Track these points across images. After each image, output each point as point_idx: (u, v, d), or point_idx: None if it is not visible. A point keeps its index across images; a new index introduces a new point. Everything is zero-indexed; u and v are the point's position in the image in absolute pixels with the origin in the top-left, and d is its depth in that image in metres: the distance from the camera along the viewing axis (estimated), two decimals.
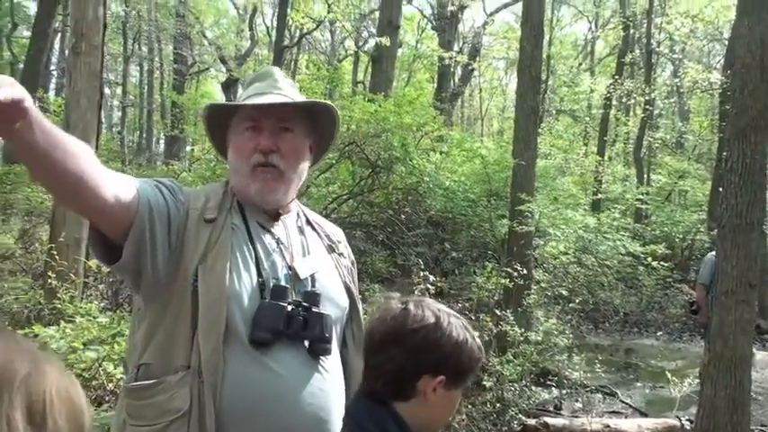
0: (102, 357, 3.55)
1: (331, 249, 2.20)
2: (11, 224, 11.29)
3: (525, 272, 7.91)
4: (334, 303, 2.03)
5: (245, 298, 1.90)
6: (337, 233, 2.30)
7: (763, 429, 6.74)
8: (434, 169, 12.33)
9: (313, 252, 2.12)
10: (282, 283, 1.97)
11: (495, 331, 6.98)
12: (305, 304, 1.94)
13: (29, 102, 1.43)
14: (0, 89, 1.35)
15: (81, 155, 1.65)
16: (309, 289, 2.00)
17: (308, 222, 2.22)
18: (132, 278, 1.93)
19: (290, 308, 1.91)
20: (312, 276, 2.04)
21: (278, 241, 2.05)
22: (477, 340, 1.74)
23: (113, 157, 14.76)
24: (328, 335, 1.93)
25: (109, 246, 1.86)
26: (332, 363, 1.97)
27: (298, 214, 2.20)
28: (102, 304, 6.37)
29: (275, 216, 2.10)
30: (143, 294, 1.97)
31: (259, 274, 1.95)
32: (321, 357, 1.93)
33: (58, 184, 1.68)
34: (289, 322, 1.89)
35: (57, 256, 6.26)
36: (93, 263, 6.09)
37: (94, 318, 4.27)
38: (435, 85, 23.99)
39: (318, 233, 2.21)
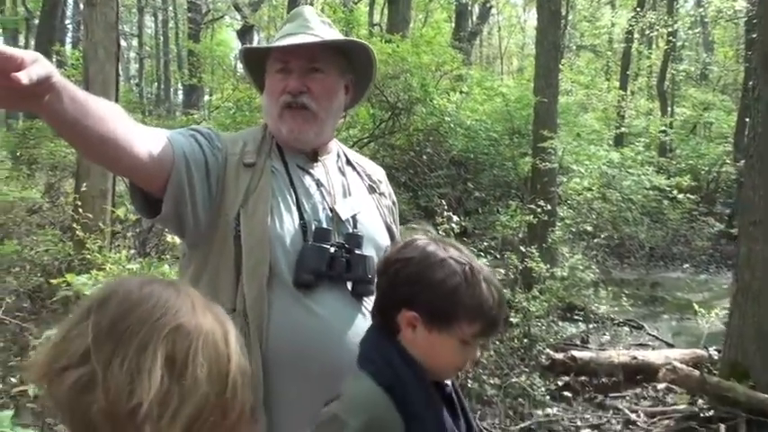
0: None
1: (372, 190, 2.19)
2: (36, 179, 11.39)
3: (549, 208, 7.87)
4: (375, 244, 2.03)
5: (287, 240, 1.91)
6: (378, 172, 2.28)
7: None
8: (455, 109, 12.24)
9: (354, 193, 2.11)
10: (324, 225, 1.98)
11: (520, 268, 7.00)
12: (347, 246, 1.95)
13: (56, 76, 1.42)
14: (26, 69, 1.33)
15: (111, 117, 1.65)
16: (351, 231, 2.01)
17: (349, 162, 2.21)
18: (175, 228, 1.96)
19: (332, 250, 1.92)
20: (354, 218, 2.05)
21: (318, 183, 2.05)
22: (482, 291, 1.62)
23: (133, 108, 14.75)
24: (371, 276, 1.93)
25: (149, 199, 1.88)
26: None
27: (338, 155, 2.19)
28: (131, 252, 6.45)
29: (314, 157, 2.10)
30: (187, 241, 2.01)
31: (300, 217, 1.96)
32: (364, 298, 1.94)
33: (92, 148, 1.69)
34: (332, 264, 1.90)
35: (82, 209, 6.33)
36: (121, 212, 6.17)
37: (124, 266, 4.33)
38: (453, 24, 23.61)
39: (359, 173, 2.20)
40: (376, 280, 1.78)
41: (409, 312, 1.63)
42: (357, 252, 1.95)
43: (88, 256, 5.48)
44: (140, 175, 1.82)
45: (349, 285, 1.94)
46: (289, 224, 1.94)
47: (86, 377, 1.00)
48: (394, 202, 2.29)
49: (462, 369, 1.72)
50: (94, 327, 1.03)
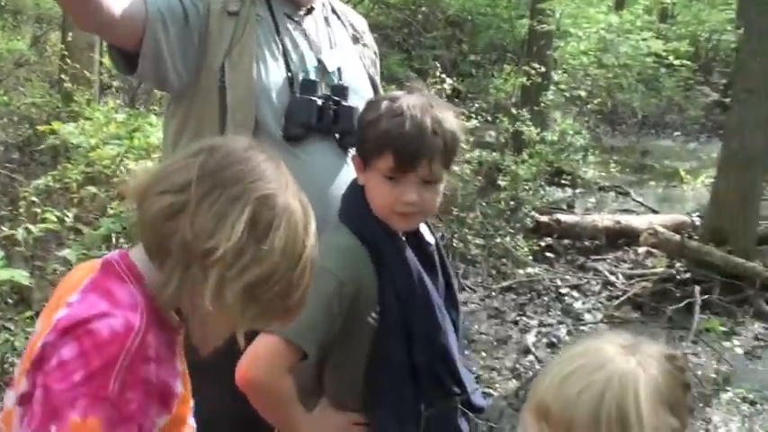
0: (121, 153, 3.64)
1: (356, 40, 2.15)
2: (22, 31, 11.09)
3: (543, 71, 7.76)
4: (359, 96, 2.01)
5: (273, 92, 1.89)
6: (361, 22, 2.24)
7: None
8: None
9: (339, 44, 2.08)
10: (312, 76, 1.95)
11: (511, 131, 6.98)
12: (335, 98, 1.94)
13: None
14: None
15: None
16: (338, 82, 1.99)
17: (333, 11, 2.15)
18: (156, 83, 1.94)
19: (320, 102, 1.91)
20: (339, 69, 2.02)
21: (305, 33, 2.01)
22: (395, 123, 1.60)
23: None
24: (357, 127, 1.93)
25: (128, 55, 1.84)
26: None
27: (323, 4, 2.13)
28: (118, 101, 6.41)
29: (301, 5, 2.04)
30: (170, 94, 2.00)
31: (287, 68, 1.93)
32: (350, 150, 1.94)
33: (68, 4, 1.69)
34: (320, 116, 1.90)
35: (70, 60, 6.23)
36: (109, 62, 6.07)
37: (111, 116, 4.31)
38: None
39: (343, 22, 2.15)
40: None
41: (355, 156, 1.72)
42: (344, 104, 1.94)
43: (76, 109, 5.44)
44: (115, 31, 1.79)
45: (336, 137, 1.94)
46: (275, 75, 1.91)
47: (179, 205, 1.09)
48: (376, 53, 2.25)
49: (405, 214, 1.65)
50: (201, 166, 1.11)
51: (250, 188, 1.11)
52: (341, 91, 1.96)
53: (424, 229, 1.80)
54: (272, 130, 1.87)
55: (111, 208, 3.50)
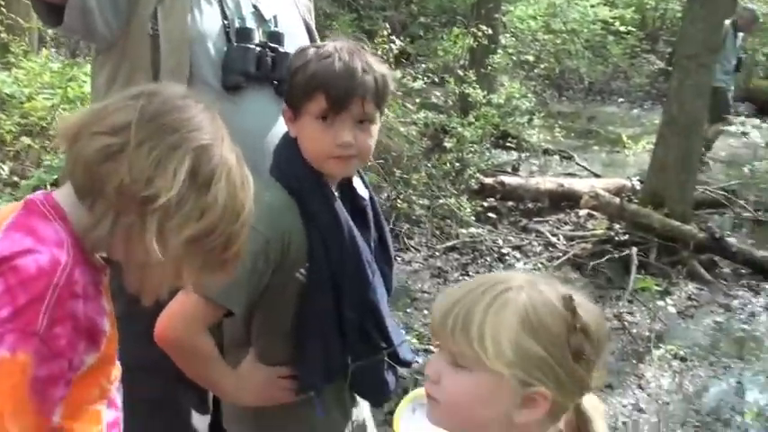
0: (57, 104, 3.53)
1: None
2: None
3: (491, 33, 7.76)
4: (296, 43, 1.97)
5: (209, 40, 1.85)
6: None
7: (705, 188, 7.07)
8: None
9: None
10: (248, 23, 1.92)
11: (458, 92, 6.99)
12: (272, 45, 1.91)
13: None
14: None
15: None
16: (274, 29, 1.96)
17: None
18: (84, 36, 1.88)
19: (257, 49, 1.87)
20: (275, 16, 1.99)
21: None
22: (322, 65, 1.58)
23: None
24: None
25: (55, 8, 1.78)
26: None
27: None
28: (53, 50, 6.22)
29: None
30: (99, 46, 1.93)
31: (223, 15, 1.89)
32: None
33: None
34: (258, 64, 1.87)
35: (5, 10, 6.00)
36: None
37: (45, 65, 4.18)
38: None
39: None
40: None
41: (285, 107, 1.68)
42: (281, 50, 1.91)
43: (12, 60, 5.26)
44: None
45: (274, 84, 1.91)
46: (210, 22, 1.87)
47: (117, 147, 1.08)
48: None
49: (341, 158, 1.62)
50: (142, 109, 1.10)
51: (189, 138, 1.11)
52: (277, 38, 1.93)
53: (357, 182, 1.78)
54: (208, 79, 1.84)
55: (47, 160, 3.40)
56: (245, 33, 1.89)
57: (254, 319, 1.70)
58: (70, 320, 1.08)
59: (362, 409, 1.90)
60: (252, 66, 1.86)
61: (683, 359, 4.22)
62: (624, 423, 3.54)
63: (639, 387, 3.91)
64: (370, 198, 1.81)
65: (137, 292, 1.16)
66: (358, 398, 1.86)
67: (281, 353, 1.70)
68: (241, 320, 1.68)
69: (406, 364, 1.87)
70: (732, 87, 8.49)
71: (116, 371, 1.27)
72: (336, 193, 1.70)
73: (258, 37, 1.92)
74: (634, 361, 4.16)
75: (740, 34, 8.56)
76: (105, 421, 1.22)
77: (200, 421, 2.10)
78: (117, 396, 1.28)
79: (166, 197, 1.06)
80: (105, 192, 1.07)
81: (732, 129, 7.59)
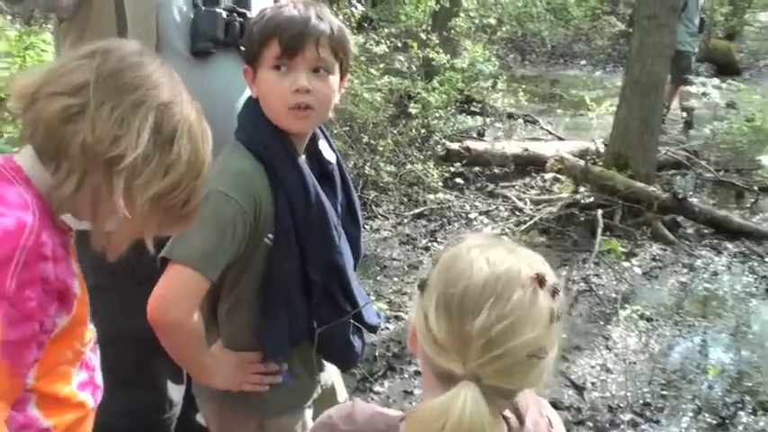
0: (15, 74, 3.43)
1: None
2: None
3: None
4: (261, 6, 1.94)
5: (174, 5, 1.83)
6: None
7: (668, 149, 7.15)
8: None
9: None
10: None
11: (421, 56, 6.95)
12: (240, 9, 1.88)
13: None
14: None
15: None
16: None
17: None
18: (45, 7, 1.82)
19: (225, 14, 1.85)
20: None
21: None
22: (275, 14, 1.59)
23: None
24: None
25: None
26: None
27: None
28: (8, 18, 6.05)
29: None
30: (61, 15, 1.89)
31: None
32: None
33: None
34: (227, 29, 1.85)
35: None
36: None
37: (3, 33, 4.06)
38: None
39: None
40: None
41: (246, 67, 1.66)
42: (249, 15, 1.89)
43: None
44: None
45: (242, 50, 1.88)
46: None
47: (77, 108, 1.07)
48: None
49: (299, 108, 1.60)
50: (98, 67, 1.10)
51: (150, 95, 1.11)
52: (245, 2, 1.91)
53: (324, 145, 1.76)
54: (176, 45, 1.82)
55: (9, 132, 3.32)
56: None
57: (220, 302, 1.70)
58: (40, 283, 1.07)
59: (331, 374, 1.91)
60: (221, 31, 1.84)
61: (648, 319, 4.29)
62: (593, 383, 3.60)
63: (607, 348, 3.97)
64: (338, 162, 1.79)
65: (102, 249, 1.17)
66: (326, 362, 1.86)
67: (248, 339, 1.70)
68: (207, 306, 1.68)
69: (372, 328, 1.87)
70: (696, 50, 8.55)
71: (89, 333, 1.26)
72: (303, 156, 1.68)
73: (225, 1, 1.89)
74: (601, 322, 4.23)
75: None
76: (78, 381, 1.22)
77: (176, 391, 2.11)
78: (92, 357, 1.28)
79: (133, 156, 1.07)
80: (69, 153, 1.07)
81: (693, 89, 7.67)
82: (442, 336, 1.02)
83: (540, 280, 1.03)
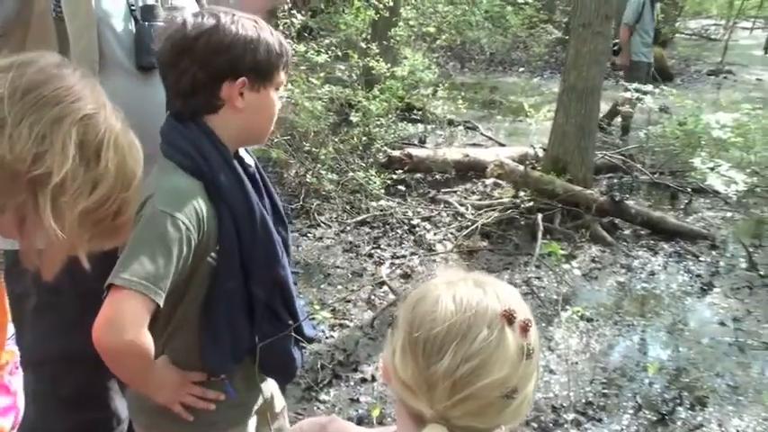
0: None
1: None
2: None
3: (392, 5, 7.77)
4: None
5: (114, 20, 1.81)
6: None
7: (605, 153, 7.30)
8: None
9: None
10: (149, 0, 1.88)
11: (361, 65, 6.97)
12: None
13: None
14: None
15: None
16: (172, 4, 1.93)
17: None
18: None
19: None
20: None
21: None
22: (277, 35, 1.63)
23: None
24: None
25: None
26: None
27: None
28: None
29: None
30: None
31: None
32: None
33: None
34: None
35: None
36: None
37: None
38: None
39: None
40: (170, 67, 1.60)
41: (236, 81, 1.57)
42: None
43: None
44: None
45: None
46: (114, 1, 1.83)
47: None
48: None
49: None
50: (13, 81, 1.04)
51: (72, 108, 1.06)
52: (179, 13, 1.89)
53: (242, 151, 1.74)
54: (119, 60, 1.81)
55: None
56: (149, 10, 1.86)
57: (161, 323, 1.64)
58: None
59: (269, 385, 1.90)
60: None
61: (589, 320, 4.37)
62: (536, 384, 3.65)
63: (549, 349, 4.02)
64: (255, 164, 1.78)
65: (34, 268, 1.14)
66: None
67: (192, 359, 1.66)
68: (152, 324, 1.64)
69: (310, 340, 1.87)
70: (651, 60, 8.77)
71: (6, 355, 1.22)
72: (240, 168, 1.65)
73: (161, 13, 1.88)
74: (543, 324, 4.28)
75: (657, 5, 8.84)
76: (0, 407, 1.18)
77: (124, 407, 2.07)
78: (12, 381, 1.23)
79: (60, 175, 1.03)
80: None
81: (627, 95, 7.84)
82: (407, 377, 1.01)
83: (509, 317, 1.01)
